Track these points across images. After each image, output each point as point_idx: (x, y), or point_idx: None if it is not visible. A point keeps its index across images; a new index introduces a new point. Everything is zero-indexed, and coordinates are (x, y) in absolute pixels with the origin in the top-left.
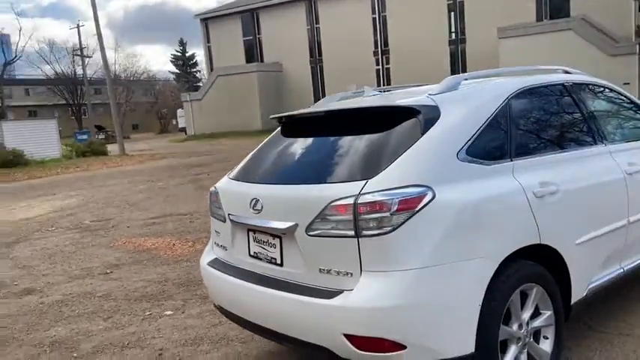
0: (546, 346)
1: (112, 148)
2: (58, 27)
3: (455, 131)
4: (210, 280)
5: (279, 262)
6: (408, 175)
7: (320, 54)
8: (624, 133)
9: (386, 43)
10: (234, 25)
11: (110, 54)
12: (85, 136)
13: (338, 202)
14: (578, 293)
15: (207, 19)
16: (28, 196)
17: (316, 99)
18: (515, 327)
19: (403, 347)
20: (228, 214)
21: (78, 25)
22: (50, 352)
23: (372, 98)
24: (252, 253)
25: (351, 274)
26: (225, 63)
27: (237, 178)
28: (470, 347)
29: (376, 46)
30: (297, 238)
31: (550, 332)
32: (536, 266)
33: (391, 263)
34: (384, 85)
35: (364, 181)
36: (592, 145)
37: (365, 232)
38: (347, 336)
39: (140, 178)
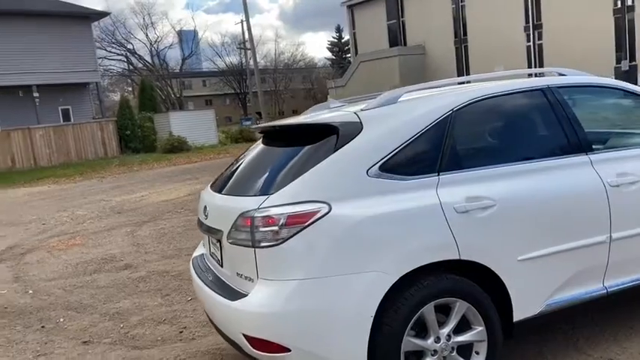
0: None
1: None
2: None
3: (370, 148)
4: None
5: (221, 262)
6: (305, 191)
7: (465, 33)
8: (628, 139)
9: (538, 17)
10: (379, 9)
11: (271, 46)
12: (249, 122)
13: (244, 215)
14: (524, 311)
15: (353, 6)
16: (180, 179)
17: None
18: (430, 340)
19: (288, 350)
20: (199, 216)
21: (242, 20)
22: (107, 321)
23: (317, 113)
24: (210, 253)
25: (252, 280)
26: (369, 49)
27: (210, 184)
28: (361, 356)
29: (527, 20)
30: (223, 243)
31: (482, 348)
32: (460, 281)
33: (279, 272)
34: (534, 67)
35: (266, 197)
36: (563, 155)
37: (259, 244)
38: (245, 336)
39: None
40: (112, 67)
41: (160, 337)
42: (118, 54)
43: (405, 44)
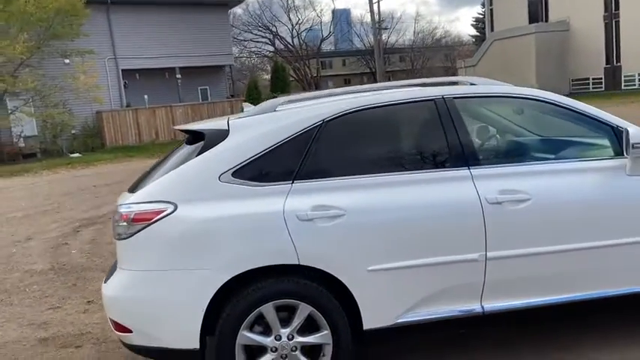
0: None
1: None
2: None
3: (227, 154)
4: None
5: None
6: (159, 191)
7: (617, 6)
8: (532, 153)
9: None
10: None
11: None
12: None
13: (116, 210)
14: (377, 320)
15: None
16: None
17: (607, 63)
18: (271, 338)
19: (130, 330)
20: None
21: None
22: None
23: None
24: None
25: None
26: (505, 25)
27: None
28: (194, 344)
29: None
30: None
31: (328, 351)
32: (304, 284)
33: (128, 263)
34: None
35: (130, 195)
36: (440, 168)
37: (119, 236)
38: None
39: None
40: (259, 50)
41: None
42: (263, 36)
43: (547, 20)
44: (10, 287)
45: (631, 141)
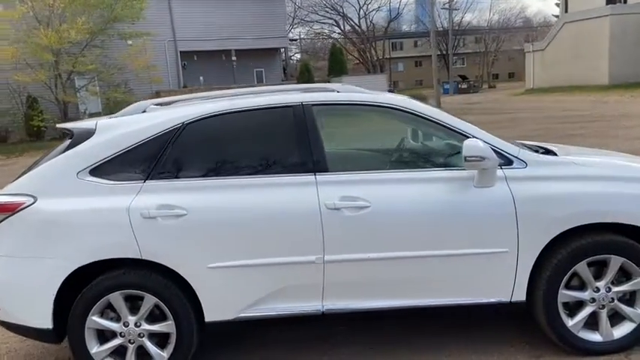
0: (167, 351)
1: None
2: None
3: (88, 153)
4: None
5: None
6: (23, 184)
7: None
8: (377, 161)
9: None
10: None
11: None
12: (447, 86)
13: None
14: (218, 314)
15: None
16: None
17: None
18: (120, 324)
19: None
20: None
21: None
22: None
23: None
24: None
25: None
26: (581, 7)
27: None
28: (47, 324)
29: None
30: None
31: (173, 339)
32: (148, 277)
33: None
34: None
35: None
36: (286, 173)
37: None
38: None
39: None
40: (324, 31)
41: None
42: (329, 17)
43: (625, 2)
44: None
45: (463, 153)
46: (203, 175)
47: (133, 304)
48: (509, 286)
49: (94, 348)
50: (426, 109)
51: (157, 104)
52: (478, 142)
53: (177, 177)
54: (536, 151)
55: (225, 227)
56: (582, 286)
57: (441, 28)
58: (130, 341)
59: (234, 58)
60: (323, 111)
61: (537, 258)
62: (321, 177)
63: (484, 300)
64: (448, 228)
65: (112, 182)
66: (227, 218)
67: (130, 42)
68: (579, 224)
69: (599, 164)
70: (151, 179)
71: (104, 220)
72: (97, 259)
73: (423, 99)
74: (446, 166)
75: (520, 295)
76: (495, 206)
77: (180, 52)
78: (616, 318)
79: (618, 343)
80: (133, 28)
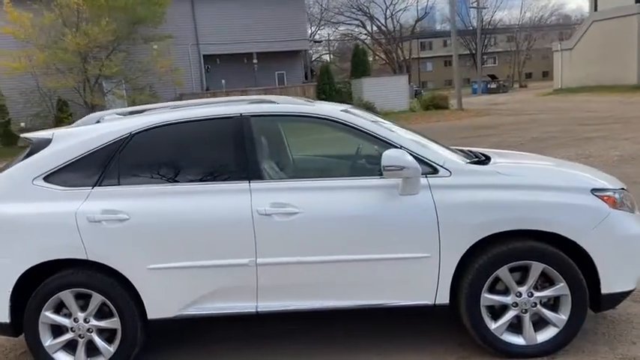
0: (113, 346)
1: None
2: None
3: (43, 161)
4: None
5: None
6: None
7: None
8: (309, 169)
9: None
10: None
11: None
12: (476, 86)
13: None
14: (159, 312)
15: None
16: None
17: None
18: (70, 320)
19: None
20: None
21: None
22: None
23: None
24: None
25: None
26: (610, 5)
27: None
28: (5, 318)
29: None
30: None
31: (119, 335)
32: (95, 277)
33: None
34: None
35: None
36: (223, 180)
37: None
38: None
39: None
40: (350, 32)
41: None
42: (355, 19)
43: None
44: None
45: (382, 163)
46: (147, 182)
47: (86, 301)
48: (432, 289)
49: (48, 341)
50: (355, 120)
51: (130, 112)
52: (397, 152)
53: (122, 184)
54: (478, 159)
55: (164, 231)
56: (506, 291)
57: (471, 27)
58: (80, 336)
59: (255, 61)
60: (260, 121)
61: (459, 263)
62: (254, 184)
63: (409, 302)
64: (373, 233)
65: (63, 188)
66: (166, 223)
67: (155, 46)
68: (497, 231)
69: (523, 173)
70: (98, 186)
71: (54, 223)
72: (47, 260)
73: (443, 99)
74: (375, 174)
75: (444, 298)
76: (418, 213)
77: (203, 55)
78: (541, 323)
79: (541, 347)
80: (157, 32)
